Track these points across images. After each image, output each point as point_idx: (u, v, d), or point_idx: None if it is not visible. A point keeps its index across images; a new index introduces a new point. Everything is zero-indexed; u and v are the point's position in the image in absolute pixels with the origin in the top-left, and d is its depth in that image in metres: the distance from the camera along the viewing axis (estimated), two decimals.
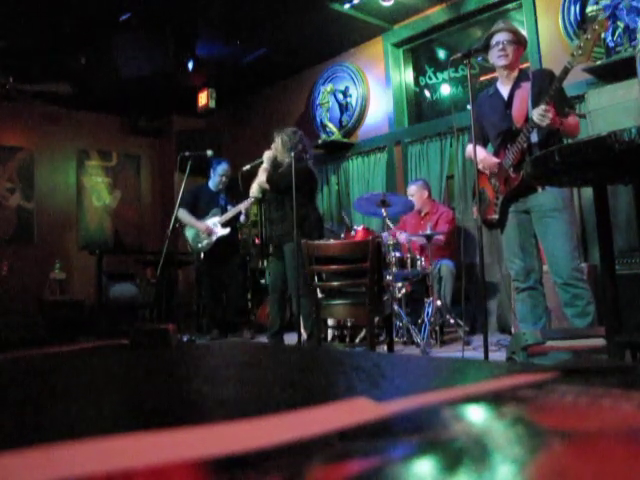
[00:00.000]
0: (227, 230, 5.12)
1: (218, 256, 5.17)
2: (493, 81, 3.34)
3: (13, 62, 5.72)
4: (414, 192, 4.84)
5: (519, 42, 3.04)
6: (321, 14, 5.37)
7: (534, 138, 2.90)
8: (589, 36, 2.62)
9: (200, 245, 5.19)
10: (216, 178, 5.32)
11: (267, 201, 4.37)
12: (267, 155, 4.21)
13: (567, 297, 2.88)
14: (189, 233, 5.27)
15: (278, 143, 4.17)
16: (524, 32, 3.20)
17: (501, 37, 3.02)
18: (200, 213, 5.23)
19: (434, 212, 4.84)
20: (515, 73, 3.08)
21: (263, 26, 5.52)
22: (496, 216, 3.09)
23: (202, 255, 5.22)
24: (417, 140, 5.57)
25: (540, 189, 2.90)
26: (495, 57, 3.05)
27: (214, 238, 5.14)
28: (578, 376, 0.58)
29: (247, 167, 4.44)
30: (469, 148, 3.27)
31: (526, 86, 2.98)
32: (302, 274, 4.09)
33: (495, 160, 3.04)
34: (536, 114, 2.74)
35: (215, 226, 5.16)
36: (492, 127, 3.13)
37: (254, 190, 4.31)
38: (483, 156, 3.06)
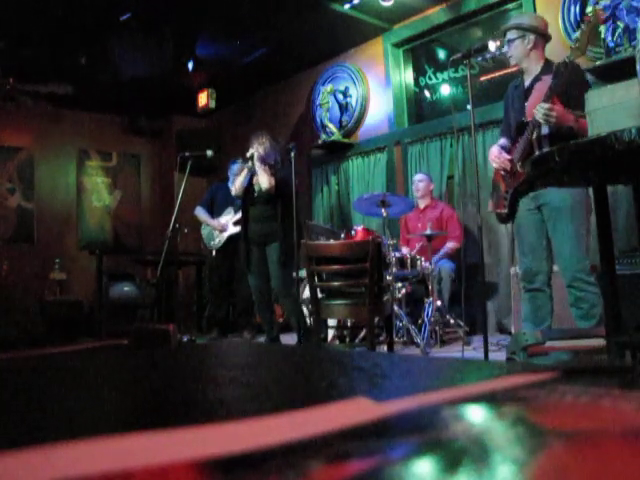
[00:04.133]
0: (238, 229, 5.19)
1: (229, 254, 5.29)
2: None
3: (13, 62, 5.72)
4: (422, 179, 4.91)
5: (523, 33, 2.96)
6: (321, 14, 5.36)
7: (545, 130, 2.84)
8: (584, 28, 2.61)
9: (212, 242, 5.37)
10: (232, 177, 5.41)
11: (248, 199, 4.33)
12: (256, 155, 4.19)
13: (572, 298, 2.85)
14: (204, 231, 5.49)
15: (267, 145, 4.20)
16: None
17: (507, 36, 3.00)
18: (216, 211, 5.41)
19: (433, 207, 4.87)
20: (538, 65, 2.99)
21: (263, 26, 5.52)
22: (505, 210, 3.05)
23: (214, 252, 5.38)
24: (417, 140, 5.57)
25: None
26: (508, 56, 3.05)
27: (225, 236, 5.28)
28: (578, 376, 0.58)
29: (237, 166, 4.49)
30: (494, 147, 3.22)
31: (547, 79, 2.87)
32: (289, 273, 4.10)
33: (506, 157, 2.99)
34: (539, 113, 2.71)
35: (227, 224, 5.28)
36: (513, 120, 3.07)
37: (238, 188, 4.28)
38: (495, 154, 3.03)
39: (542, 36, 3.02)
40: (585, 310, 2.79)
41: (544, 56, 3.03)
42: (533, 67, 2.99)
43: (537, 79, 2.96)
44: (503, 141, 3.14)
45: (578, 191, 2.86)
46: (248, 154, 4.19)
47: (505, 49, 3.03)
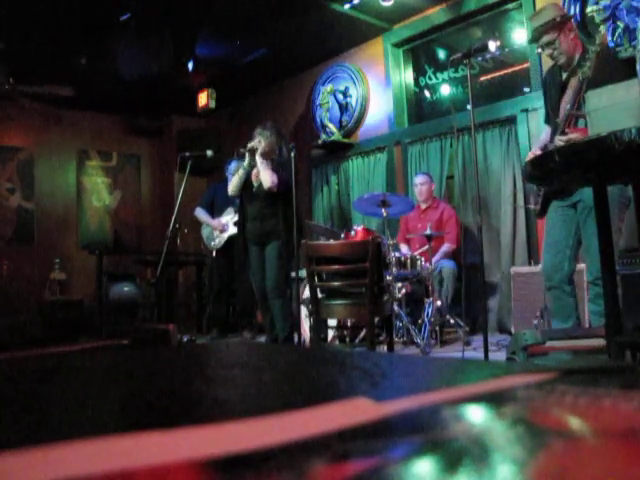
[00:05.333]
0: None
1: (229, 255, 5.27)
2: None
3: (13, 63, 5.72)
4: (424, 181, 4.87)
5: (561, 27, 2.81)
6: (321, 14, 5.37)
7: None
8: (594, 48, 2.59)
9: (213, 243, 5.36)
10: (230, 177, 5.41)
11: (245, 197, 4.19)
12: (260, 150, 3.98)
13: (592, 294, 2.89)
14: (204, 231, 5.48)
15: (272, 140, 4.02)
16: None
17: (544, 39, 2.85)
18: (217, 212, 5.41)
19: (435, 207, 4.87)
20: (577, 53, 2.85)
21: (263, 26, 5.52)
22: (538, 206, 3.07)
23: (214, 253, 5.36)
24: (417, 140, 5.57)
25: None
26: (555, 56, 2.89)
27: (225, 236, 5.26)
28: (578, 376, 0.57)
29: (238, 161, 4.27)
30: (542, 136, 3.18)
31: (581, 74, 2.73)
32: (283, 274, 3.98)
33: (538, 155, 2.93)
34: (559, 145, 2.66)
35: (227, 224, 5.24)
36: (551, 110, 2.98)
37: (235, 186, 4.15)
38: (529, 156, 2.99)
39: (569, 24, 2.89)
40: (602, 307, 2.79)
41: (580, 42, 2.92)
42: (574, 58, 2.86)
43: (574, 72, 2.83)
44: (544, 137, 3.07)
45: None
46: (248, 146, 4.01)
47: (548, 52, 2.89)
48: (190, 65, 5.85)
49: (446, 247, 4.68)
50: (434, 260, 4.43)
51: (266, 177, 3.92)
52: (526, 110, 4.70)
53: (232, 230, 5.24)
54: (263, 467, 0.34)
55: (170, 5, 5.03)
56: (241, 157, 4.19)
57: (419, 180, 4.91)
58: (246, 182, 4.12)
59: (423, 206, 4.92)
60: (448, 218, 4.79)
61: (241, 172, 4.11)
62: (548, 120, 3.09)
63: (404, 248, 4.86)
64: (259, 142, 4.00)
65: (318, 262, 3.05)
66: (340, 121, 6.22)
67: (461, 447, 0.36)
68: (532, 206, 3.18)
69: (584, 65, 2.59)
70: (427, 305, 4.10)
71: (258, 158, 3.97)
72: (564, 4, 4.44)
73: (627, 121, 1.59)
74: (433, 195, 4.96)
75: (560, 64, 2.91)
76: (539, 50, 3.02)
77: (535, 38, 2.89)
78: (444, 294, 4.40)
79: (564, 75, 2.93)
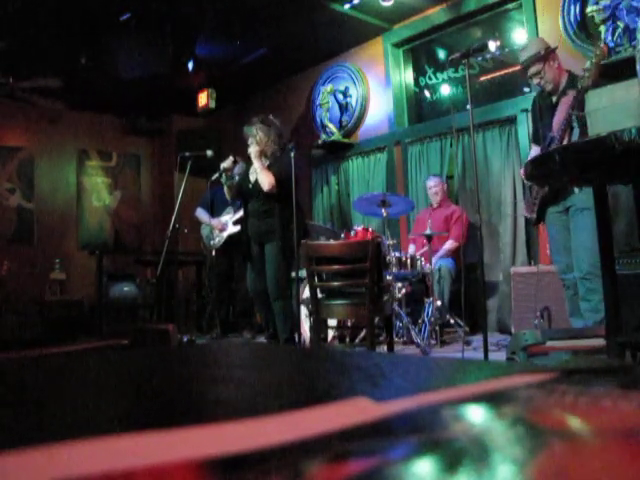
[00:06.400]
0: (237, 228, 5.17)
1: (229, 254, 5.27)
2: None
3: (13, 62, 5.71)
4: (436, 183, 4.87)
5: (545, 58, 3.12)
6: (321, 14, 5.37)
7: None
8: (593, 60, 2.78)
9: (212, 242, 5.37)
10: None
11: (246, 195, 4.13)
12: (253, 153, 3.91)
13: (582, 290, 2.97)
14: (204, 231, 5.51)
15: (260, 136, 3.92)
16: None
17: (532, 70, 3.14)
18: (216, 211, 5.43)
19: (446, 207, 4.87)
20: (563, 79, 3.15)
21: (263, 26, 5.52)
22: (534, 215, 3.25)
23: (214, 252, 5.38)
24: (417, 140, 5.57)
25: (577, 190, 3.01)
26: (543, 84, 3.18)
27: (225, 235, 5.26)
28: (578, 376, 0.57)
29: (222, 170, 4.10)
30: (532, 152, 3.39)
31: (572, 94, 3.01)
32: (284, 275, 3.91)
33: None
34: None
35: (226, 223, 5.26)
36: (542, 131, 3.22)
37: (229, 194, 4.14)
38: (523, 171, 3.13)
39: (552, 53, 3.19)
40: (594, 303, 2.87)
41: (564, 68, 3.21)
42: (560, 82, 3.15)
43: (563, 93, 3.07)
44: (535, 151, 3.26)
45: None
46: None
47: (536, 81, 3.17)
48: (190, 65, 5.84)
49: (448, 244, 4.68)
50: (435, 258, 4.43)
51: (263, 180, 3.84)
52: (526, 110, 4.69)
53: (231, 229, 5.25)
54: (263, 467, 0.34)
55: (170, 5, 5.03)
56: (220, 173, 4.10)
57: (431, 183, 4.89)
58: (243, 181, 4.11)
59: (435, 206, 4.92)
60: (455, 216, 4.79)
61: (225, 189, 4.14)
62: (537, 139, 3.28)
63: (411, 247, 4.89)
64: (250, 142, 3.96)
65: (318, 262, 3.04)
66: (340, 121, 6.22)
67: (461, 447, 0.36)
68: (527, 215, 3.36)
69: (583, 77, 2.78)
70: (427, 305, 4.10)
71: (254, 160, 3.92)
72: (564, 4, 4.44)
73: (627, 121, 1.59)
74: (446, 195, 4.96)
75: (548, 90, 3.17)
76: (529, 81, 3.33)
77: (524, 67, 3.20)
78: (443, 293, 4.39)
79: (554, 98, 3.16)
